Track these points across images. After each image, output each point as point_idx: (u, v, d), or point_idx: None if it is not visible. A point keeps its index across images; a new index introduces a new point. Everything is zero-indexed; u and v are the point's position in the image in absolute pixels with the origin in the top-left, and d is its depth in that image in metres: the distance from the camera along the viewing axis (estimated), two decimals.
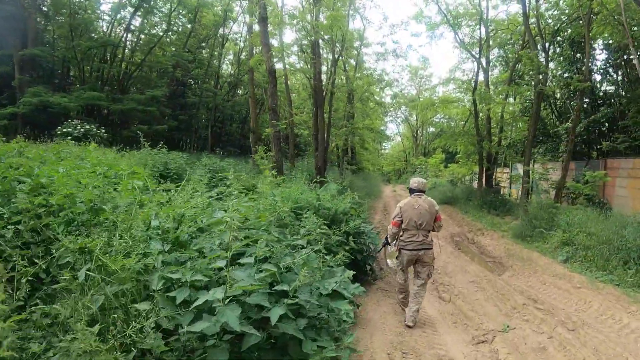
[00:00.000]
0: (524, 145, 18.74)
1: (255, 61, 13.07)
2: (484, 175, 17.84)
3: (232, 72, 33.71)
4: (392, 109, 25.45)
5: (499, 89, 18.62)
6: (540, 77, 13.70)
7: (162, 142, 10.99)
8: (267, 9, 10.72)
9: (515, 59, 17.42)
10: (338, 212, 5.48)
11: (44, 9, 22.33)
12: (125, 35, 23.95)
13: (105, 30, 25.14)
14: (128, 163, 6.89)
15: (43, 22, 22.57)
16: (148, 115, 22.99)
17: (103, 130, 16.88)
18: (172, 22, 25.96)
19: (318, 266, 3.17)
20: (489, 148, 17.06)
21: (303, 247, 3.46)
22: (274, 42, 14.32)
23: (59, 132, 14.72)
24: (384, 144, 50.37)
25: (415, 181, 5.14)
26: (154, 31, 26.01)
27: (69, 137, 13.30)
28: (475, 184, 21.35)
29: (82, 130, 15.18)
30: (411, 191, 5.11)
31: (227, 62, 35.02)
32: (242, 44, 29.75)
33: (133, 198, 3.40)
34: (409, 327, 4.81)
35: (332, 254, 4.49)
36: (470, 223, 13.59)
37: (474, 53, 18.64)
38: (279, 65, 13.53)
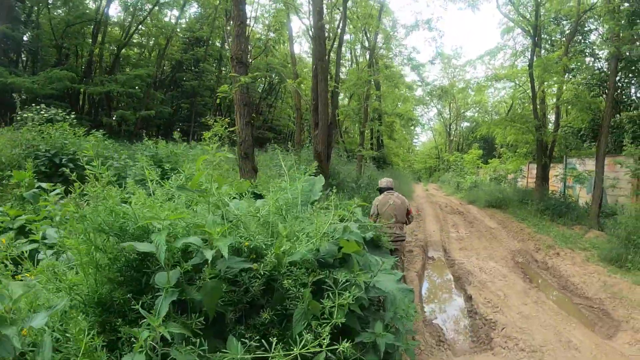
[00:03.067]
0: (581, 135, 14.84)
1: None
2: (541, 172, 13.93)
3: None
4: (426, 98, 21.48)
5: (554, 66, 14.46)
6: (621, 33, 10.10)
7: (151, 131, 7.77)
8: None
9: (572, 28, 13.38)
10: (281, 265, 1.75)
11: None
12: (106, 9, 20.54)
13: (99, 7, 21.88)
14: None
15: None
16: (136, 100, 19.92)
17: (73, 116, 14.27)
18: None
19: None
20: (547, 137, 13.21)
21: None
22: None
23: (18, 117, 12.23)
24: (414, 140, 46.34)
25: (384, 181, 5.94)
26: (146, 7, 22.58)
27: (30, 124, 11.01)
28: (521, 184, 17.49)
29: (45, 115, 12.67)
30: (381, 190, 5.79)
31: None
32: (252, 23, 25.99)
33: None
34: None
35: None
36: (533, 236, 9.94)
37: (527, 17, 14.51)
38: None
